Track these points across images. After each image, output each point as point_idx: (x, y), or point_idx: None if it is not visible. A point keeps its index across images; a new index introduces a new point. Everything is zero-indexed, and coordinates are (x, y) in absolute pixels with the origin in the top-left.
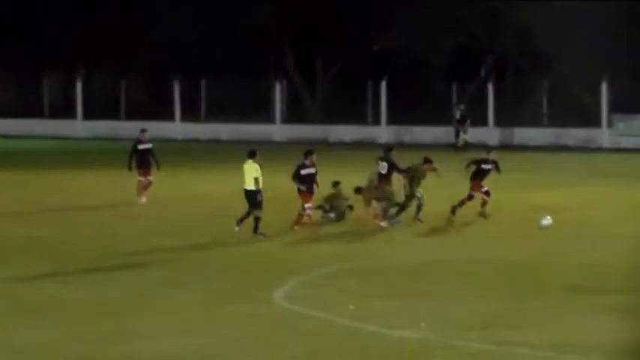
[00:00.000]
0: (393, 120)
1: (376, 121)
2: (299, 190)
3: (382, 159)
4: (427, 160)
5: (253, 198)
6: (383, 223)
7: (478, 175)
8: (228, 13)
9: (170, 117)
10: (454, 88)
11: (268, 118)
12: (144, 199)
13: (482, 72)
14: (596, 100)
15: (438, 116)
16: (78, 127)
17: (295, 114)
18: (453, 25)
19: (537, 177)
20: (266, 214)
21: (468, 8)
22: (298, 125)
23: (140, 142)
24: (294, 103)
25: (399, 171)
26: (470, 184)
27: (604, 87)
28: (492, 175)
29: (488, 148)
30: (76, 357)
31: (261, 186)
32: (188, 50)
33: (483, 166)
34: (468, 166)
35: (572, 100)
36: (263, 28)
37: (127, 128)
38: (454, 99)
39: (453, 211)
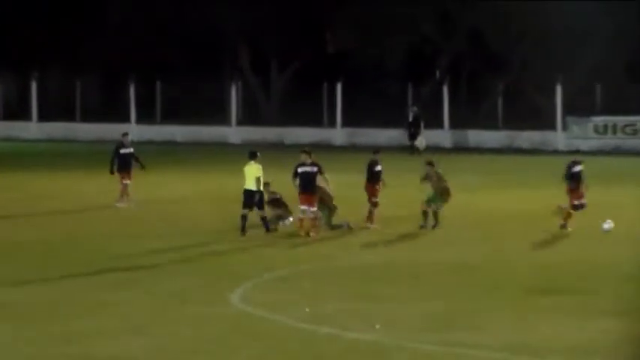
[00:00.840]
0: (348, 122)
1: (332, 123)
2: (300, 193)
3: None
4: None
5: (252, 198)
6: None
7: (573, 180)
8: (180, 13)
9: (125, 118)
10: (409, 89)
11: (224, 120)
12: (124, 204)
13: (437, 74)
14: (550, 102)
15: (393, 118)
16: (32, 128)
17: (251, 116)
18: (406, 25)
19: (490, 179)
20: (217, 218)
21: (421, 8)
22: (254, 127)
23: (122, 146)
24: (250, 104)
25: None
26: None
27: (558, 89)
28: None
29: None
30: (28, 358)
31: (261, 187)
32: (142, 51)
33: (575, 169)
34: (567, 177)
35: (527, 102)
36: (216, 28)
37: (82, 130)
38: (409, 101)
39: (563, 226)
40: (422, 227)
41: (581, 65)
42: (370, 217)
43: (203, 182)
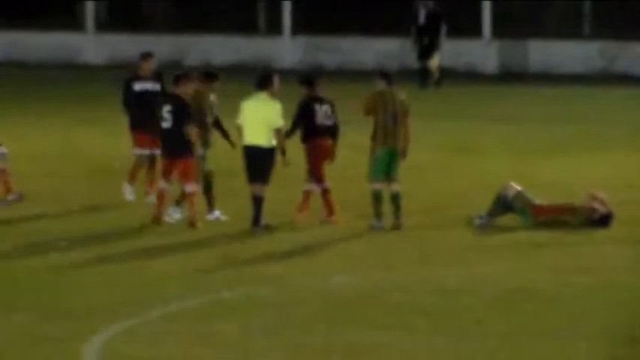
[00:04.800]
0: (303, 28)
1: (273, 30)
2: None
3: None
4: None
5: (263, 162)
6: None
7: None
8: None
9: None
10: None
11: (74, 24)
12: None
13: None
14: None
15: (386, 22)
16: None
17: (123, 15)
18: None
19: (569, 132)
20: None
21: None
22: (127, 36)
23: None
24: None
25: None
26: None
27: None
28: None
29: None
30: None
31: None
32: None
33: None
34: None
35: None
36: None
37: None
38: None
39: None
40: (373, 227)
41: None
42: (327, 205)
43: (45, 135)
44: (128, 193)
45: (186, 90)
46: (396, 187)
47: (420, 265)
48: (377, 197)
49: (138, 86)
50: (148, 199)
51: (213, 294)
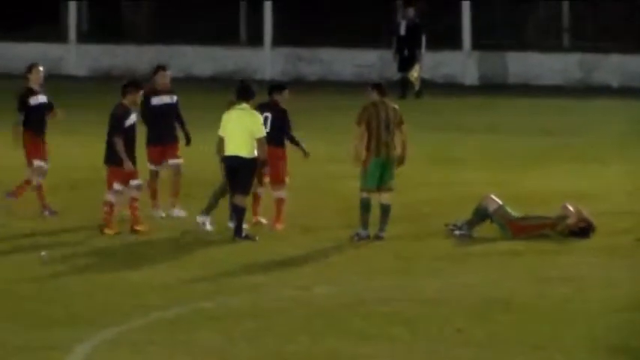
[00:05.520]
0: (284, 39)
1: (255, 41)
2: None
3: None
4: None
5: (244, 171)
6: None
7: None
8: None
9: None
10: None
11: (57, 34)
12: None
13: None
14: None
15: (366, 33)
16: None
17: (105, 26)
18: None
19: (547, 144)
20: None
21: None
22: (109, 46)
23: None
24: (103, 8)
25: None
26: None
27: None
28: None
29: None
30: None
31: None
32: None
33: None
34: None
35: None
36: None
37: None
38: (399, 0)
39: None
40: (359, 236)
41: None
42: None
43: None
44: (156, 211)
45: (134, 99)
46: (386, 198)
47: (400, 275)
48: (365, 206)
49: (155, 100)
50: (156, 213)
51: (194, 303)
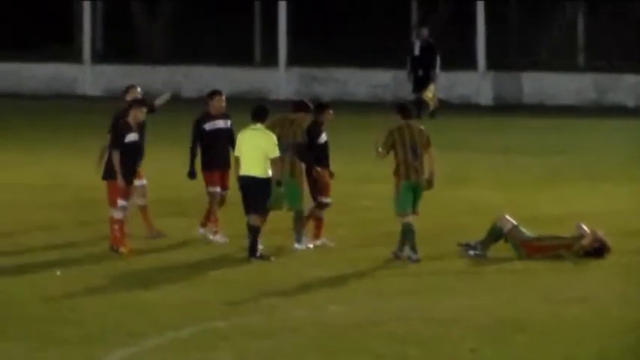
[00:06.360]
0: (298, 60)
1: (269, 62)
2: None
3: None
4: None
5: (259, 192)
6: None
7: None
8: None
9: None
10: (413, 3)
11: (72, 54)
12: None
13: None
14: None
15: (380, 53)
16: None
17: (119, 46)
18: None
19: (561, 164)
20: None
21: None
22: (123, 67)
23: None
24: (118, 28)
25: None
26: None
27: None
28: None
29: None
30: None
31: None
32: None
33: None
34: None
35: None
36: None
37: None
38: (413, 20)
39: None
40: (397, 257)
41: None
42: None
43: (37, 165)
44: (217, 237)
45: (136, 115)
46: (412, 220)
47: (414, 295)
48: (409, 231)
49: (209, 126)
50: (207, 234)
51: (208, 323)
